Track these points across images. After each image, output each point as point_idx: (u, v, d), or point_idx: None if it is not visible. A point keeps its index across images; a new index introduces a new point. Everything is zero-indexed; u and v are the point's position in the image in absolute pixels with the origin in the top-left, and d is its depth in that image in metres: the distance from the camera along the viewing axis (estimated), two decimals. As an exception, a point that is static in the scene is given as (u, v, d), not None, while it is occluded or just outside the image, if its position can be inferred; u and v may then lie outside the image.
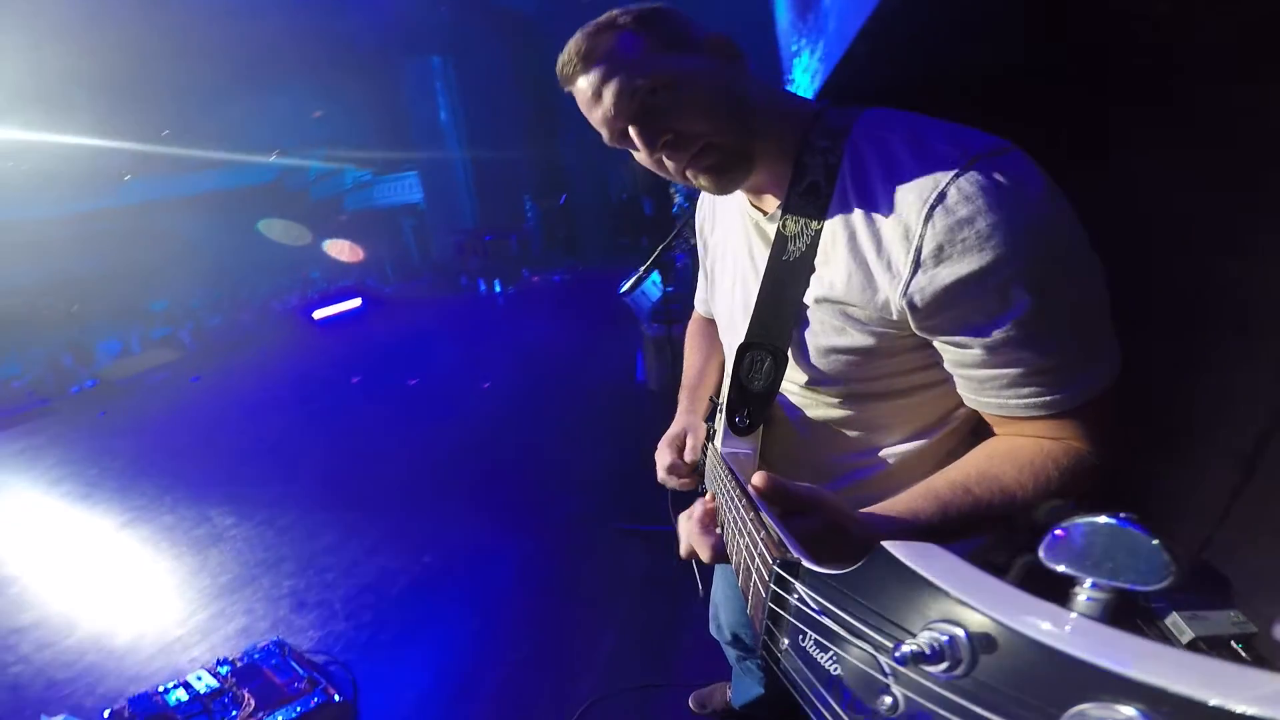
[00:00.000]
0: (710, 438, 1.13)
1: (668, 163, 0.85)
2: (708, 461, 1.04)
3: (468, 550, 3.24)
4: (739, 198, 1.00)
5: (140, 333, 9.71)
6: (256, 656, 2.46)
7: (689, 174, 0.86)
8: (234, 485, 4.26)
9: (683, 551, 0.77)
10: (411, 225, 12.53)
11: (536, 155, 11.33)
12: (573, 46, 0.81)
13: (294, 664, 2.40)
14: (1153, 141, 1.65)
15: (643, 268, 3.72)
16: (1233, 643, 1.76)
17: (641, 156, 0.87)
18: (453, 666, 2.49)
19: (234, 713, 2.21)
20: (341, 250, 11.59)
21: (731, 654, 1.82)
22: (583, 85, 0.82)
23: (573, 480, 3.84)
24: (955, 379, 0.83)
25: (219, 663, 2.45)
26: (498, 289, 10.07)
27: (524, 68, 11.06)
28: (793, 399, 0.99)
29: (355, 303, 9.89)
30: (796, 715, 0.45)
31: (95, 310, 10.07)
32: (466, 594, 2.91)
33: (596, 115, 0.84)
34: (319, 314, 9.53)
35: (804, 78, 4.86)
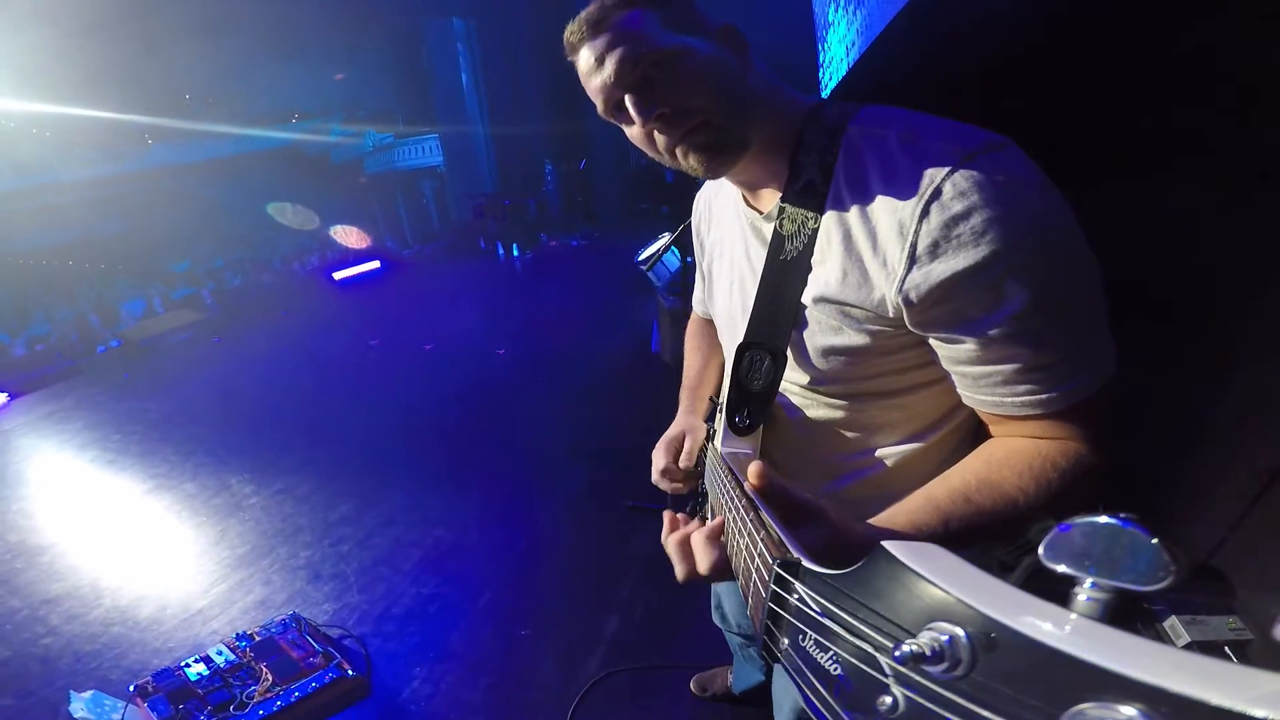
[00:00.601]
0: (710, 438, 1.13)
1: (659, 137, 0.83)
2: (708, 461, 1.04)
3: (479, 523, 3.29)
4: (734, 197, 0.99)
5: (163, 293, 9.84)
6: (274, 631, 2.52)
7: (679, 152, 0.84)
8: (253, 451, 4.33)
9: (680, 575, 0.74)
10: (431, 188, 12.53)
11: (556, 119, 11.18)
12: (583, 15, 0.82)
13: (309, 638, 2.46)
14: (1165, 140, 1.60)
15: (663, 242, 3.66)
16: (1226, 648, 1.77)
17: (634, 131, 0.86)
18: (462, 641, 2.54)
19: (252, 687, 2.27)
20: (349, 236, 11.61)
21: (734, 641, 1.85)
22: (586, 54, 0.82)
23: (585, 453, 3.86)
24: (952, 376, 0.82)
25: (238, 637, 2.51)
26: (515, 253, 10.05)
27: (546, 30, 10.81)
28: (793, 399, 0.99)
29: (374, 265, 9.96)
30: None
31: (119, 271, 10.23)
32: (477, 569, 2.96)
33: (595, 83, 0.83)
34: (339, 275, 9.62)
35: (839, 49, 4.72)
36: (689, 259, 5.28)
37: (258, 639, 2.48)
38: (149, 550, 3.39)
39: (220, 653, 2.42)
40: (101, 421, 5.37)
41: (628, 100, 0.81)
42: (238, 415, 5.12)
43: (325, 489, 3.74)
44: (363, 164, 13.12)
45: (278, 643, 2.45)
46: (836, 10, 4.71)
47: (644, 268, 4.95)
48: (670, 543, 0.76)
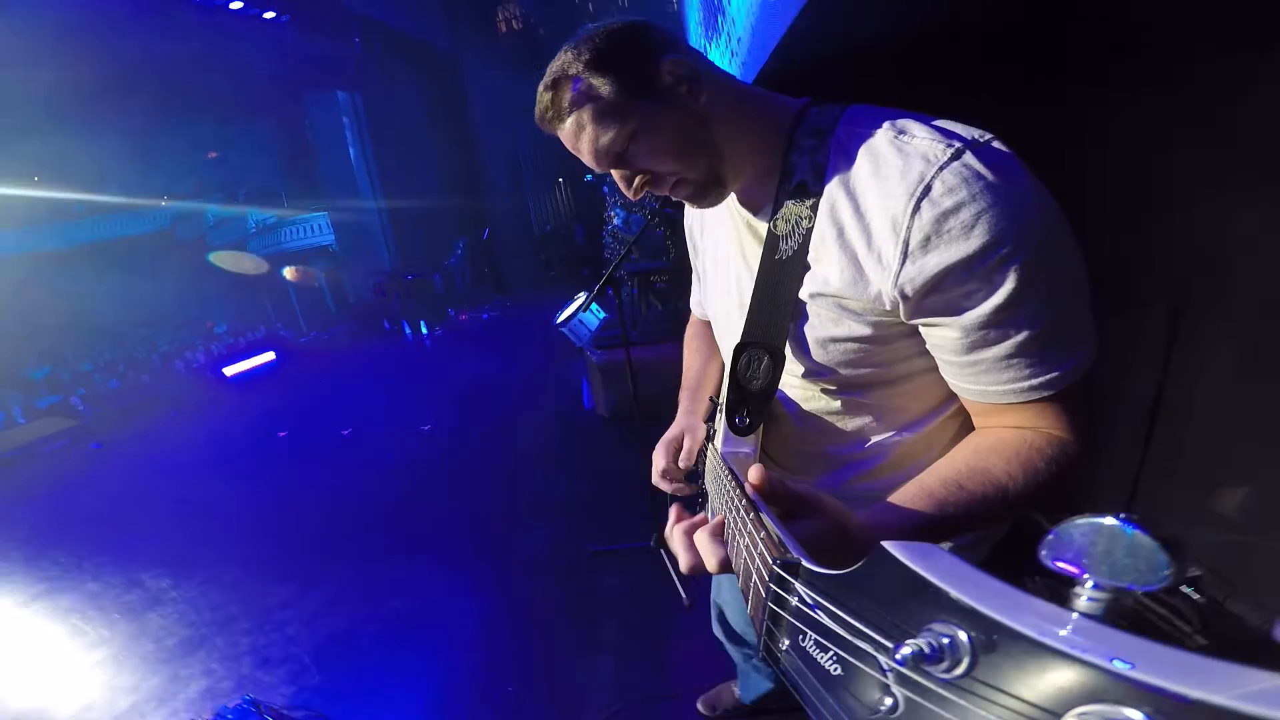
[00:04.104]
0: (710, 438, 1.13)
1: (652, 190, 0.93)
2: (708, 462, 1.04)
3: (439, 590, 3.10)
4: (729, 199, 1.02)
5: (22, 403, 8.81)
6: (230, 717, 2.26)
7: (670, 195, 0.93)
8: (162, 548, 3.90)
9: (684, 566, 0.74)
10: (323, 269, 11.96)
11: (455, 189, 11.06)
12: (544, 99, 0.87)
13: (273, 721, 2.22)
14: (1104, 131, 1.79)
15: (579, 301, 3.71)
16: (1183, 587, 1.90)
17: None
18: (444, 709, 2.36)
19: (212, 781, 2.02)
20: (294, 275, 10.94)
21: (736, 654, 1.82)
22: (562, 135, 0.90)
23: (536, 509, 3.74)
24: (940, 365, 0.85)
25: (188, 730, 2.24)
26: (424, 331, 9.79)
27: (437, 101, 10.87)
28: (791, 392, 1.01)
29: (269, 356, 9.35)
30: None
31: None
32: (446, 633, 2.77)
33: (580, 157, 0.91)
34: (230, 370, 8.93)
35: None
36: (608, 316, 5.37)
37: (213, 729, 2.22)
38: (55, 651, 2.98)
39: (170, 751, 2.15)
40: (-36, 534, 4.67)
41: (614, 174, 0.91)
42: (139, 514, 4.61)
43: (256, 575, 3.42)
44: (245, 247, 12.31)
45: (237, 730, 2.20)
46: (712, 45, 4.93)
47: (563, 328, 4.99)
48: (676, 534, 0.76)
